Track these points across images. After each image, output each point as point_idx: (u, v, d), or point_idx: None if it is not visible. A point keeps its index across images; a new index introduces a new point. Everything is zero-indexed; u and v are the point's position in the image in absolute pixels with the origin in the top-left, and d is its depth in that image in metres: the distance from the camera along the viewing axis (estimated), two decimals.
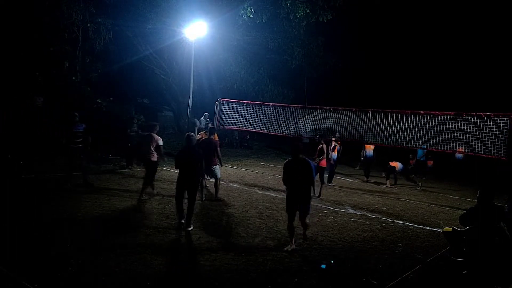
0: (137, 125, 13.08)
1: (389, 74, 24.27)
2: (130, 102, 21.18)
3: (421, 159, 14.82)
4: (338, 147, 12.01)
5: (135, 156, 12.17)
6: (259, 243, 5.98)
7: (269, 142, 22.84)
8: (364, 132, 11.34)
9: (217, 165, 8.65)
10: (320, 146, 10.19)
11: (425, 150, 13.59)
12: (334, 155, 11.79)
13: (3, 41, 13.63)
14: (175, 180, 6.59)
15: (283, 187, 10.96)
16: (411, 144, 10.68)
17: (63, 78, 15.40)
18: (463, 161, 14.49)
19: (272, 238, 6.24)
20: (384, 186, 12.56)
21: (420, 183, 12.92)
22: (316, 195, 9.26)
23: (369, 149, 13.04)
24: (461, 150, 10.16)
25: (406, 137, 10.55)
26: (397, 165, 12.47)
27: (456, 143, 9.74)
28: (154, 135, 8.37)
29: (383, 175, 13.46)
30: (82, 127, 8.72)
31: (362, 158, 13.75)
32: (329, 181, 11.85)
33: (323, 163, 10.22)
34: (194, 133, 15.65)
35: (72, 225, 6.19)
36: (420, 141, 10.64)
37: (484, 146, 9.23)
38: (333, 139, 11.72)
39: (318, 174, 9.67)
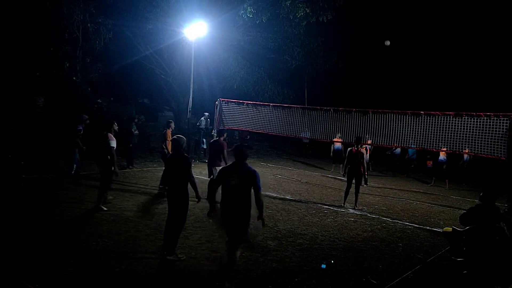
0: (137, 125, 13.11)
1: (389, 74, 24.27)
2: (130, 102, 21.18)
3: (412, 157, 15.86)
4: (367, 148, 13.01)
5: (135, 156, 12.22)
6: (259, 243, 5.99)
7: (269, 142, 22.86)
8: (364, 133, 11.37)
9: (221, 167, 8.52)
10: (357, 150, 8.99)
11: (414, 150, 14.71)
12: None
13: (4, 41, 13.63)
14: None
15: (283, 187, 11.08)
16: (404, 143, 10.86)
17: (64, 78, 15.39)
18: (469, 162, 14.39)
19: (272, 238, 6.25)
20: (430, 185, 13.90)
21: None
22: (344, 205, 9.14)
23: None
24: (466, 151, 10.17)
25: (406, 137, 10.59)
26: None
27: (456, 143, 9.76)
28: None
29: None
30: None
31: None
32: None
33: (360, 170, 8.99)
34: (200, 134, 15.75)
35: (73, 225, 6.20)
36: (410, 141, 10.75)
37: (484, 146, 9.25)
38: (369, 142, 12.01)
39: (355, 182, 8.99)
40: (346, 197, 9.17)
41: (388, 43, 11.63)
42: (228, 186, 4.40)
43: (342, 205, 9.09)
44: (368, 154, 13.31)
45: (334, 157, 14.97)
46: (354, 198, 9.04)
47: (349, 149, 9.29)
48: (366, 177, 9.24)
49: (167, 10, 16.77)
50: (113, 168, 6.99)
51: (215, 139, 8.91)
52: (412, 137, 10.49)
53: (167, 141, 9.36)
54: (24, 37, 14.23)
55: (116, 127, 7.63)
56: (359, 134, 10.56)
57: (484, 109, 9.70)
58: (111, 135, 7.17)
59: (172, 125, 9.84)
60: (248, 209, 4.39)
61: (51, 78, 15.14)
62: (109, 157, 7.03)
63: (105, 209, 7.08)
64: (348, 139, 11.77)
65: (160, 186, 8.95)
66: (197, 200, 5.28)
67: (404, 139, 10.71)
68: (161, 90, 21.27)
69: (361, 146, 9.17)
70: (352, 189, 9.09)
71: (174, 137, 5.32)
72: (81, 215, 6.73)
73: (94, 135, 11.24)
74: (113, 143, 7.05)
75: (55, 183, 8.98)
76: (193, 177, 5.20)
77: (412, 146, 11.27)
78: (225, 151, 8.47)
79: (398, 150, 15.23)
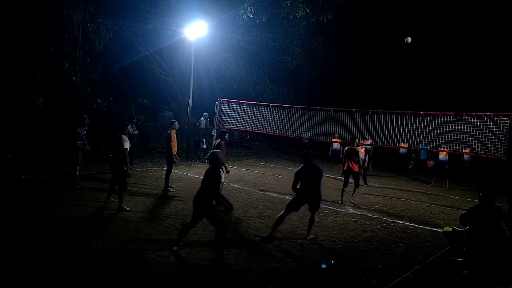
0: (136, 125, 13.11)
1: (389, 74, 24.27)
2: (130, 102, 21.20)
3: (422, 157, 15.99)
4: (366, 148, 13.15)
5: (135, 156, 12.21)
6: (259, 243, 5.99)
7: (269, 142, 22.87)
8: (363, 133, 11.37)
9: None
10: (352, 148, 9.46)
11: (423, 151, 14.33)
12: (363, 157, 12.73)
13: (3, 42, 13.62)
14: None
15: (283, 187, 11.05)
16: (412, 144, 10.76)
17: (64, 78, 15.39)
18: (470, 162, 14.47)
19: (272, 238, 6.24)
20: (430, 184, 13.70)
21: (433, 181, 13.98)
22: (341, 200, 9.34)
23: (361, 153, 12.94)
24: (467, 151, 10.16)
25: (407, 137, 10.57)
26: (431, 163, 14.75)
27: (456, 143, 9.75)
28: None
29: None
30: None
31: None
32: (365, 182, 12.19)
33: (356, 167, 9.41)
34: (199, 134, 15.74)
35: (72, 225, 6.20)
36: (423, 141, 10.70)
37: (484, 146, 9.24)
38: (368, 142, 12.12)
39: (354, 180, 9.31)
40: (342, 195, 9.44)
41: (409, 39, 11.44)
42: (304, 179, 6.49)
43: (340, 202, 9.30)
44: (368, 155, 13.45)
45: (332, 157, 15.04)
46: (352, 192, 9.33)
47: (345, 148, 9.63)
48: (363, 173, 9.40)
49: (167, 10, 16.79)
50: (125, 168, 7.15)
51: (217, 142, 8.78)
52: (421, 138, 10.49)
53: (171, 142, 9.22)
54: (24, 37, 14.23)
55: (130, 129, 7.83)
56: (359, 134, 10.76)
57: (484, 109, 9.69)
58: (125, 137, 7.29)
59: (176, 125, 9.60)
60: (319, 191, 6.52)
61: (51, 78, 15.14)
62: (119, 158, 7.16)
63: (128, 209, 7.19)
64: (347, 139, 11.77)
65: (169, 188, 9.21)
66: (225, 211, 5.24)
67: (402, 139, 10.71)
68: (161, 90, 21.29)
69: (357, 146, 9.43)
70: (350, 188, 9.30)
71: (210, 154, 5.61)
72: (81, 215, 6.73)
73: (96, 135, 11.29)
74: (127, 145, 7.21)
75: (55, 183, 8.98)
76: (219, 194, 5.26)
77: (425, 147, 11.27)
78: (222, 154, 8.44)
79: (404, 150, 15.41)
